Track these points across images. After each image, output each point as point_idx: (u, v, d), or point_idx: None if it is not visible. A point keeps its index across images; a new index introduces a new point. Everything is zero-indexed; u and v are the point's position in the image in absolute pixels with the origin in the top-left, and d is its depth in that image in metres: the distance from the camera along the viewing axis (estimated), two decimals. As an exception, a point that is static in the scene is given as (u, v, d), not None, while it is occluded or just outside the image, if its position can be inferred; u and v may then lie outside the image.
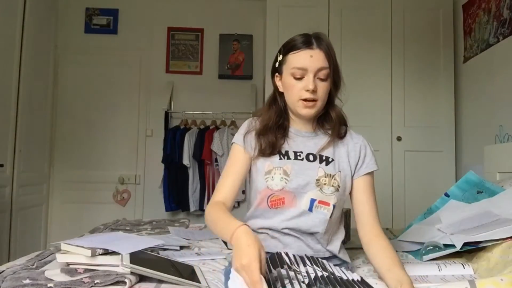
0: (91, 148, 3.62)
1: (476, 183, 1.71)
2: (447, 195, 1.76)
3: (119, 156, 3.65)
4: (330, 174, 1.20)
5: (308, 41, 1.18)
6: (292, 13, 3.23)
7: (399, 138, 3.17)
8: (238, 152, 1.26)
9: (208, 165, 3.48)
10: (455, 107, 3.21)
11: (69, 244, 1.17)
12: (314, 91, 1.16)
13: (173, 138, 3.46)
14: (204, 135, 3.45)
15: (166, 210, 3.48)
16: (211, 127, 3.53)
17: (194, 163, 3.44)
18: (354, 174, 1.26)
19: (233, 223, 1.04)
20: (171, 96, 3.68)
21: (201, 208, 3.42)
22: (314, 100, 1.18)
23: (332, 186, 1.19)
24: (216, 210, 1.17)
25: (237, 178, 1.24)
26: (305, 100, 1.18)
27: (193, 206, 3.42)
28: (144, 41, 3.73)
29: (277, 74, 1.27)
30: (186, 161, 3.40)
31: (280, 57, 1.24)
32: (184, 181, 3.43)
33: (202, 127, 3.56)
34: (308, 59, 1.16)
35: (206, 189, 3.45)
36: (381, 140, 3.15)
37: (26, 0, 2.94)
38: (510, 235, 1.26)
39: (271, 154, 1.22)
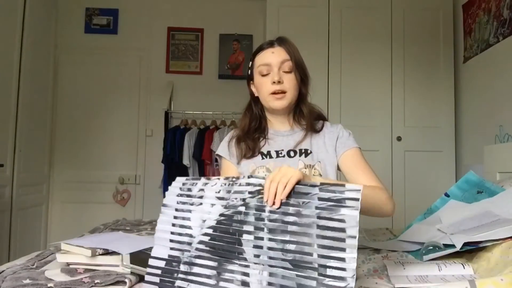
0: (91, 148, 3.62)
1: (476, 183, 1.71)
2: (447, 195, 1.76)
3: (119, 156, 3.65)
4: (310, 165, 1.26)
5: (270, 42, 1.32)
6: (292, 13, 3.23)
7: (399, 138, 3.17)
8: (225, 163, 1.35)
9: (208, 165, 3.48)
10: (455, 107, 3.21)
11: (69, 244, 1.17)
12: (280, 82, 1.24)
13: (173, 138, 3.45)
14: (204, 135, 3.45)
15: (166, 210, 3.47)
16: (211, 127, 3.53)
17: (194, 163, 3.44)
18: (338, 159, 1.30)
19: None
20: (171, 96, 3.68)
21: (201, 208, 3.42)
22: (283, 92, 1.25)
23: (313, 175, 1.23)
24: None
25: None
26: (274, 93, 1.25)
27: (193, 206, 3.42)
28: (144, 41, 3.73)
29: (251, 81, 1.36)
30: (186, 161, 3.40)
31: (250, 64, 1.35)
32: (184, 181, 3.43)
33: (202, 127, 3.56)
34: (270, 55, 1.27)
35: (206, 189, 3.45)
36: (381, 140, 3.15)
37: (26, 0, 2.94)
38: (510, 235, 1.26)
39: (252, 156, 1.29)
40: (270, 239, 0.89)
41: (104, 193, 3.61)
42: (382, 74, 3.20)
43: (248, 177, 0.99)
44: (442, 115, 3.20)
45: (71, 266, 1.16)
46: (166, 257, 0.99)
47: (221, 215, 0.97)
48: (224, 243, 0.94)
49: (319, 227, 0.85)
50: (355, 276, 0.79)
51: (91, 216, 3.43)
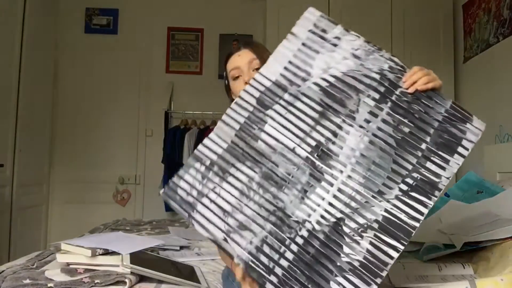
0: (91, 148, 3.61)
1: (476, 183, 1.71)
2: (447, 195, 1.76)
3: (119, 156, 3.65)
4: None
5: (237, 47, 1.31)
6: (292, 13, 3.19)
7: (399, 138, 3.17)
8: None
9: (208, 165, 3.47)
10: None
11: (69, 244, 1.17)
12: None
13: (173, 138, 3.45)
14: (204, 135, 3.44)
15: (166, 210, 3.48)
16: (211, 127, 3.53)
17: (194, 163, 3.44)
18: None
19: None
20: (171, 96, 3.68)
21: (201, 208, 3.42)
22: None
23: None
24: None
25: None
26: None
27: (193, 206, 3.42)
28: (144, 41, 3.73)
29: (230, 91, 1.34)
30: (186, 161, 3.40)
31: (225, 74, 1.34)
32: (184, 181, 3.43)
33: (202, 127, 3.56)
34: (237, 58, 1.27)
35: (206, 189, 3.45)
36: (381, 140, 3.15)
37: (26, 0, 2.94)
38: (510, 235, 1.26)
39: None
40: (388, 114, 0.92)
41: (104, 193, 3.61)
42: (382, 74, 3.20)
43: (392, 55, 1.02)
44: (442, 115, 3.19)
45: (71, 266, 1.16)
46: (273, 80, 0.99)
47: (349, 71, 0.97)
48: (342, 95, 0.94)
49: (439, 128, 0.90)
50: (447, 182, 0.85)
51: (91, 216, 3.42)
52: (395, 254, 0.82)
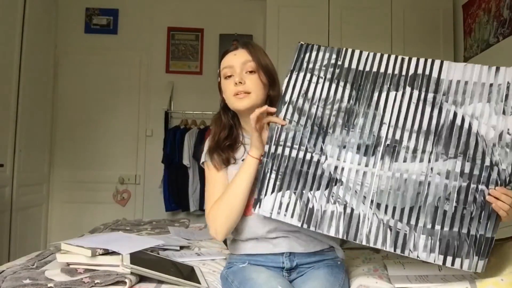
0: (91, 148, 3.61)
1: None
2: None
3: (119, 156, 3.65)
4: None
5: (234, 47, 1.30)
6: (292, 13, 3.23)
7: (399, 138, 3.17)
8: (209, 167, 1.29)
9: (208, 165, 3.47)
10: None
11: (69, 244, 1.17)
12: (241, 83, 1.21)
13: (173, 138, 3.45)
14: (204, 135, 3.45)
15: (166, 210, 3.48)
16: (211, 127, 3.52)
17: (194, 163, 3.44)
18: None
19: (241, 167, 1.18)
20: (171, 96, 3.68)
21: (201, 208, 3.42)
22: (246, 93, 1.22)
23: None
24: (219, 198, 1.19)
25: (224, 175, 1.26)
26: (236, 94, 1.23)
27: (193, 206, 3.42)
28: (144, 41, 3.73)
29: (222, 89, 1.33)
30: (186, 161, 3.40)
31: (218, 71, 1.34)
32: (184, 181, 3.43)
33: (202, 127, 3.56)
34: (232, 57, 1.26)
35: (206, 189, 3.45)
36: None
37: (26, 0, 2.94)
38: (510, 235, 1.26)
39: (230, 164, 1.26)
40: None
41: (104, 193, 3.61)
42: (382, 74, 3.20)
43: None
44: (442, 115, 3.20)
45: (71, 266, 1.16)
46: None
47: None
48: None
49: None
50: None
51: (91, 216, 3.43)
52: None
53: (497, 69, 1.04)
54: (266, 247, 1.21)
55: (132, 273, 1.11)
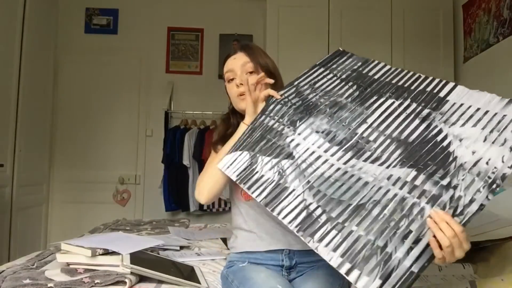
0: (91, 148, 3.61)
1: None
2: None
3: (119, 156, 3.65)
4: None
5: (233, 51, 1.34)
6: (292, 13, 3.23)
7: (399, 138, 3.17)
8: (213, 154, 1.33)
9: (208, 165, 3.47)
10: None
11: (69, 244, 1.17)
12: (242, 84, 1.27)
13: (173, 138, 3.45)
14: (204, 135, 3.45)
15: (166, 210, 3.48)
16: (211, 127, 3.52)
17: (194, 163, 3.44)
18: None
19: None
20: (171, 96, 3.68)
21: (201, 208, 3.42)
22: None
23: None
24: (208, 163, 1.27)
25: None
26: (240, 95, 1.28)
27: (193, 206, 3.42)
28: (144, 41, 3.73)
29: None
30: (186, 161, 3.40)
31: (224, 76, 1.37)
32: (184, 181, 3.43)
33: (202, 127, 3.56)
34: (232, 61, 1.31)
35: (206, 189, 3.44)
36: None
37: (26, 0, 2.94)
38: (510, 235, 1.26)
39: None
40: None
41: (104, 193, 3.61)
42: (382, 74, 3.20)
43: None
44: (442, 115, 3.19)
45: (71, 266, 1.16)
46: None
47: None
48: None
49: None
50: None
51: (91, 216, 3.43)
52: None
53: (510, 101, 0.95)
54: (265, 241, 1.21)
55: (132, 273, 1.11)
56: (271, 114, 1.17)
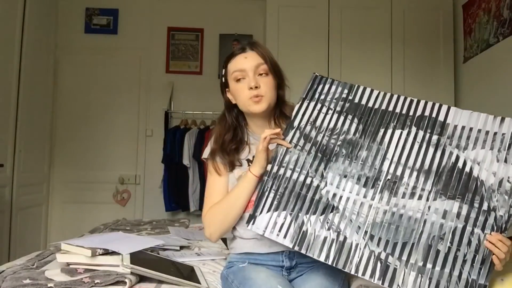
0: (91, 148, 3.61)
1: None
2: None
3: (119, 156, 3.65)
4: None
5: (242, 47, 1.28)
6: (292, 13, 3.23)
7: (399, 138, 3.17)
8: (211, 168, 1.29)
9: (208, 165, 3.47)
10: (455, 107, 3.20)
11: (69, 244, 1.17)
12: (257, 88, 1.22)
13: (173, 138, 3.45)
14: (204, 135, 3.45)
15: (166, 210, 3.48)
16: (211, 127, 3.52)
17: (194, 163, 3.44)
18: None
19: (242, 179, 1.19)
20: (171, 96, 3.68)
21: (201, 208, 3.42)
22: (262, 96, 1.23)
23: None
24: (217, 204, 1.21)
25: (224, 180, 1.26)
26: (254, 97, 1.22)
27: (193, 206, 3.42)
28: (144, 41, 3.73)
29: (226, 89, 1.34)
30: (186, 161, 3.40)
31: (223, 72, 1.32)
32: (184, 181, 3.43)
33: (202, 127, 3.56)
34: (243, 60, 1.24)
35: (206, 189, 3.45)
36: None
37: (26, 1, 2.94)
38: (510, 235, 1.25)
39: (235, 167, 1.26)
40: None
41: (104, 193, 3.61)
42: (382, 74, 3.20)
43: None
44: (442, 115, 3.19)
45: (71, 266, 1.16)
46: None
47: None
48: None
49: None
50: None
51: (91, 216, 3.42)
52: None
53: (502, 119, 1.07)
54: (266, 245, 1.20)
55: (132, 273, 1.11)
56: (290, 166, 1.12)
